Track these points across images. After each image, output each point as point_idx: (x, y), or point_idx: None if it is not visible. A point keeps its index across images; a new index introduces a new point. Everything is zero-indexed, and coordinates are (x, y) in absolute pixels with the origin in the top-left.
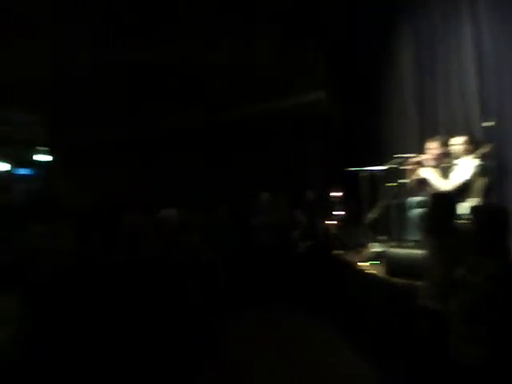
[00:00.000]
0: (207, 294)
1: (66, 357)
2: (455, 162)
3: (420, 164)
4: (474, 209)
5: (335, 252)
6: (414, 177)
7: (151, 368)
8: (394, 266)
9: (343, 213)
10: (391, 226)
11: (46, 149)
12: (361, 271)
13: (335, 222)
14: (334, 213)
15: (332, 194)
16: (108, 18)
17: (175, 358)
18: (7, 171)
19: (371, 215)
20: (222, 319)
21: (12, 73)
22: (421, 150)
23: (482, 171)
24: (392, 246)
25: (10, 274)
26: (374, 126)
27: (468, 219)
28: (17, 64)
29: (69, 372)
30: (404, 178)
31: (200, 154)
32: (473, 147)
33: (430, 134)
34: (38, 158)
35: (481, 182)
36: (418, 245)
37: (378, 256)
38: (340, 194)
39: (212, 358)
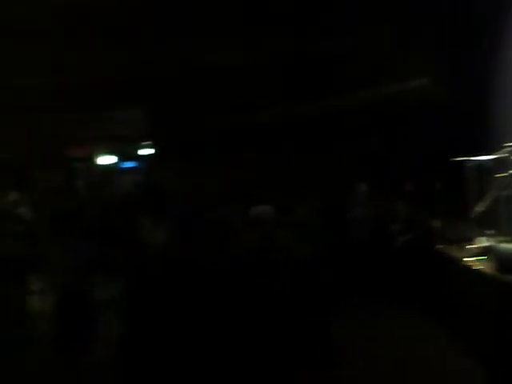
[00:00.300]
0: (302, 292)
1: (160, 352)
2: None
3: None
4: None
5: (438, 246)
6: None
7: (251, 368)
8: (505, 261)
9: (447, 205)
10: (501, 220)
11: (149, 143)
12: (466, 267)
13: (438, 215)
14: (436, 205)
15: (435, 184)
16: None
17: (276, 359)
18: (114, 164)
19: (479, 208)
20: (322, 317)
21: (118, 71)
22: None
23: None
24: (502, 241)
25: (118, 263)
26: (482, 113)
27: None
28: (123, 62)
29: (159, 366)
30: None
31: (295, 145)
32: None
33: None
34: (141, 151)
35: None
36: None
37: (485, 251)
38: (444, 185)
39: (317, 359)
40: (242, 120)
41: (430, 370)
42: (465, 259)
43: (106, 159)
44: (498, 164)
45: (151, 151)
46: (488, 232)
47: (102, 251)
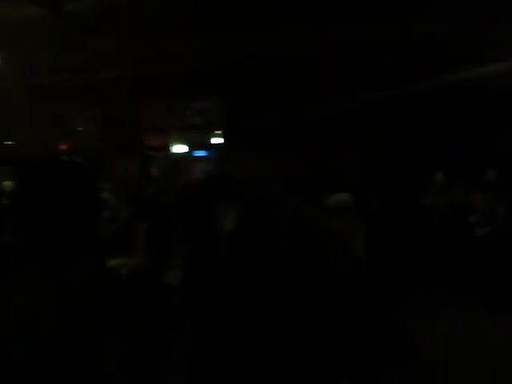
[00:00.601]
0: (376, 282)
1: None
2: None
3: None
4: None
5: None
6: None
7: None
8: None
9: None
10: None
11: (220, 132)
12: None
13: None
14: None
15: None
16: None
17: (347, 351)
18: (187, 153)
19: None
20: (393, 308)
21: (192, 62)
22: None
23: None
24: None
25: (189, 249)
26: None
27: None
28: (196, 54)
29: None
30: None
31: (369, 132)
32: None
33: None
34: (213, 140)
35: None
36: None
37: None
38: None
39: (389, 350)
40: (311, 110)
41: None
42: None
43: (179, 148)
44: None
45: (223, 140)
46: None
47: (176, 236)
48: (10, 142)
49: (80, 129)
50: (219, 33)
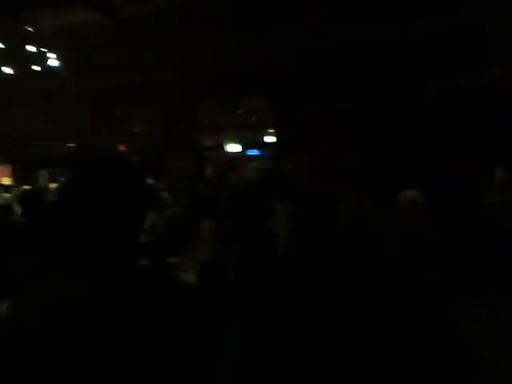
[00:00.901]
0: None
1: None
2: None
3: None
4: None
5: None
6: None
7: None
8: None
9: None
10: None
11: (272, 131)
12: None
13: None
14: None
15: None
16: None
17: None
18: (240, 152)
19: None
20: (450, 305)
21: (244, 63)
22: None
23: None
24: None
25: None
26: None
27: None
28: (248, 55)
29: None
30: None
31: (423, 129)
32: None
33: None
34: (266, 139)
35: None
36: None
37: None
38: None
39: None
40: (359, 108)
41: None
42: None
43: (233, 147)
44: None
45: (276, 139)
46: None
47: (229, 235)
48: (70, 144)
49: (137, 130)
50: (267, 33)
